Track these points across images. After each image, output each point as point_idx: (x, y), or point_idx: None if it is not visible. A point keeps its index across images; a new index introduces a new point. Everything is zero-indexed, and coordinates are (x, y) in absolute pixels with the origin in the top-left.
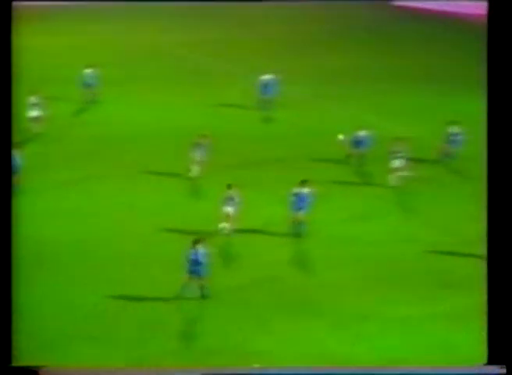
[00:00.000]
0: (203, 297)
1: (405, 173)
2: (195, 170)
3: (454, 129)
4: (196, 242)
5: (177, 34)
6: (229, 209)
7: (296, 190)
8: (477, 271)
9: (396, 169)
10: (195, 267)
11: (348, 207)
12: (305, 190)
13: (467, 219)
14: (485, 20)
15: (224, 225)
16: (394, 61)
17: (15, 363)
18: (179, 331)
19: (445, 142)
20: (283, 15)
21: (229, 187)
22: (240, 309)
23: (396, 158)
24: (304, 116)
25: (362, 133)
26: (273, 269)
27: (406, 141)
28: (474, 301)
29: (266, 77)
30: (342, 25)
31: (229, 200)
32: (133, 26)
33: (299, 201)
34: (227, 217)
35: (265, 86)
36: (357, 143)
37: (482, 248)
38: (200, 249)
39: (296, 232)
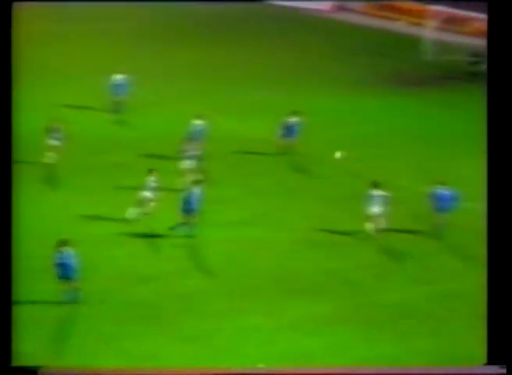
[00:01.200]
0: (74, 302)
1: (195, 175)
2: (50, 157)
3: (292, 122)
4: (61, 244)
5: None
6: (148, 194)
7: (187, 189)
8: (327, 277)
9: (187, 171)
10: (64, 271)
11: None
12: (196, 189)
13: (316, 221)
14: (328, 16)
15: (138, 210)
16: (250, 58)
17: (15, 363)
18: (50, 336)
19: (282, 136)
20: (140, 11)
21: (150, 171)
22: (95, 318)
23: (186, 158)
24: (154, 117)
25: (198, 125)
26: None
27: (195, 142)
28: (323, 307)
29: (118, 77)
30: (197, 20)
31: (147, 186)
32: None
33: (190, 202)
34: (144, 202)
35: (117, 86)
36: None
37: (332, 252)
38: (68, 251)
39: (188, 234)
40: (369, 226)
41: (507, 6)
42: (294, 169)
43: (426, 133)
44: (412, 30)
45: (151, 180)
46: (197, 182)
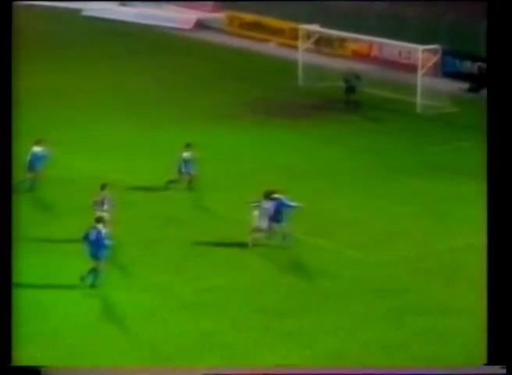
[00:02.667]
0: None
1: None
2: None
3: (187, 157)
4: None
5: None
6: (105, 214)
7: (92, 228)
8: (199, 341)
9: None
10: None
11: None
12: (102, 228)
13: (186, 276)
14: (189, 36)
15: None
16: (96, 83)
17: (15, 363)
18: None
19: (183, 172)
20: None
21: (102, 187)
22: None
23: None
24: None
25: (38, 152)
26: None
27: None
28: None
29: None
30: (40, 42)
31: (101, 203)
32: None
33: (98, 244)
34: (103, 222)
35: None
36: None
37: (205, 311)
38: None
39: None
40: (254, 237)
41: (507, 6)
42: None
43: (298, 169)
44: (283, 53)
45: (106, 197)
46: (100, 219)
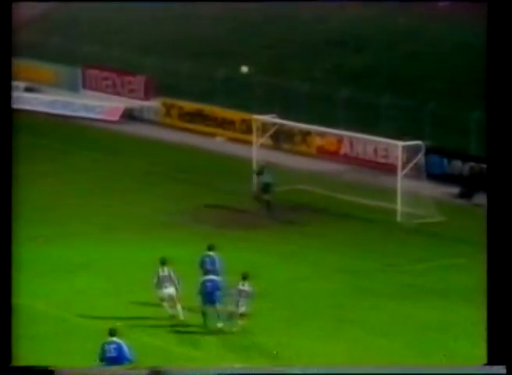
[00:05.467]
0: None
1: None
2: None
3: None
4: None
5: None
6: (171, 291)
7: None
8: None
9: None
10: None
11: None
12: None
13: None
14: (114, 129)
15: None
16: None
17: (15, 363)
18: None
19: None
20: None
21: (162, 263)
22: None
23: None
24: None
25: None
26: None
27: None
28: None
29: None
30: None
31: (164, 280)
32: None
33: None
34: (171, 300)
35: None
36: None
37: None
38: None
39: None
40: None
41: (507, 6)
42: None
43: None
44: (233, 149)
45: (166, 272)
46: (114, 332)
